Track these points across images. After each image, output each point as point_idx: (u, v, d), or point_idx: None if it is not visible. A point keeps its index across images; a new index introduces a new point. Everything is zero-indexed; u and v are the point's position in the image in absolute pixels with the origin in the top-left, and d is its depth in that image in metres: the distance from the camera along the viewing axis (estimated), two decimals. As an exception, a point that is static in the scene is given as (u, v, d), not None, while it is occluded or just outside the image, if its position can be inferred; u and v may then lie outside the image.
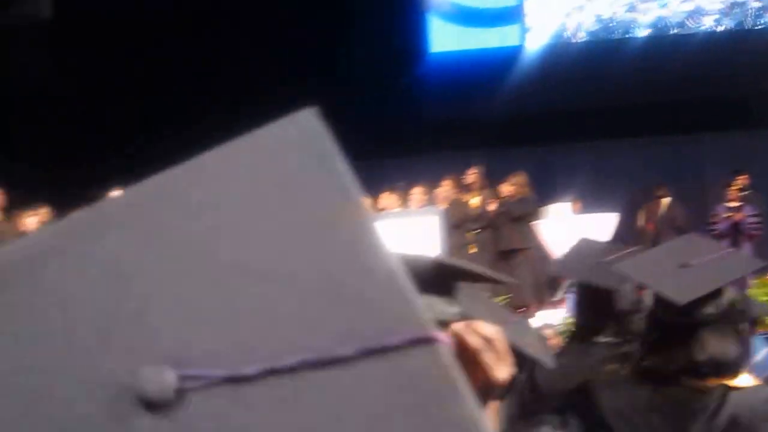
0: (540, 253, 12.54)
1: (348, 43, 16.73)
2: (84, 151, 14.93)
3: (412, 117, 16.65)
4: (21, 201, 12.23)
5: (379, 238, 0.78)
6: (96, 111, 15.69)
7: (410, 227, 10.17)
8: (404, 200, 13.35)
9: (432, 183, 13.84)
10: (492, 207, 13.59)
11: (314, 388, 0.73)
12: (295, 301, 0.76)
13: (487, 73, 17.60)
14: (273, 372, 0.73)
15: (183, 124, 15.26)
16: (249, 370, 0.73)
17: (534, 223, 12.57)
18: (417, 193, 13.36)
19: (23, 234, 11.73)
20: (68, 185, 13.31)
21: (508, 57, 18.50)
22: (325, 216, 0.79)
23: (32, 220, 12.13)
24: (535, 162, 15.86)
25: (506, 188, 13.68)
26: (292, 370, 0.73)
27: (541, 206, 13.32)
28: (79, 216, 0.85)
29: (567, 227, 11.04)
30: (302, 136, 0.82)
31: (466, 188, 13.83)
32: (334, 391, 0.72)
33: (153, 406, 0.73)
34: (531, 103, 16.95)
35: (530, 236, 12.70)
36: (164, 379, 0.73)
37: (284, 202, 0.81)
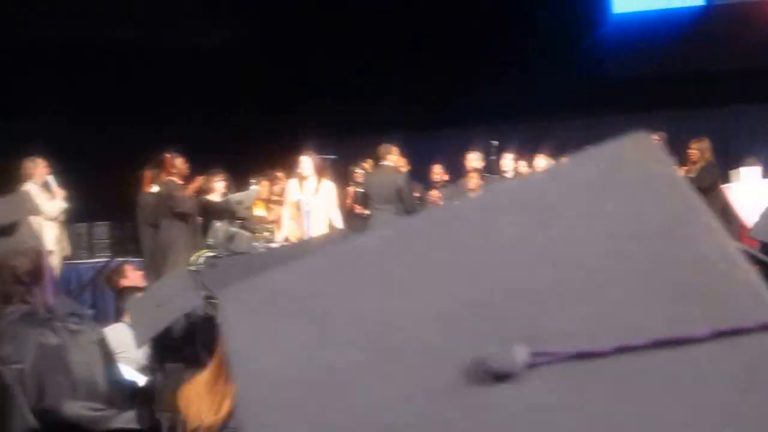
0: (725, 219, 12.21)
1: (532, 4, 16.61)
2: (264, 119, 15.22)
3: (594, 78, 16.39)
4: (201, 167, 12.60)
5: (725, 237, 0.81)
6: (281, 81, 15.89)
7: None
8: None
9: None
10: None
11: (667, 366, 0.75)
12: (643, 285, 0.80)
13: (671, 33, 17.14)
14: (625, 349, 0.75)
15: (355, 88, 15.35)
16: (600, 347, 0.75)
17: (717, 189, 12.22)
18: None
19: (204, 197, 12.10)
20: (246, 150, 13.65)
21: (693, 16, 17.95)
22: (672, 218, 0.84)
23: (220, 185, 12.46)
24: (719, 123, 15.41)
25: (690, 155, 13.29)
26: (644, 348, 0.75)
27: (724, 172, 12.93)
28: (434, 210, 0.94)
29: (757, 191, 10.72)
30: (642, 152, 0.91)
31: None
32: (687, 369, 0.74)
33: (504, 378, 0.76)
34: (715, 63, 16.44)
35: (713, 204, 12.35)
36: (516, 354, 0.77)
37: (628, 206, 0.87)
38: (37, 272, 3.46)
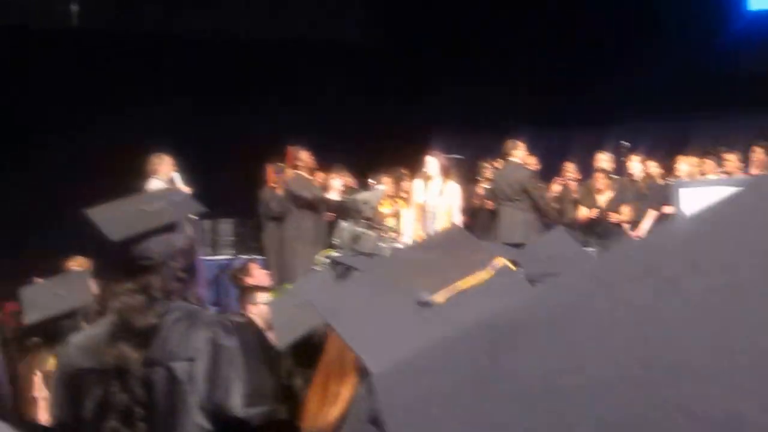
0: None
1: (666, 0, 16.34)
2: (390, 114, 15.17)
3: (729, 77, 16.00)
4: (323, 162, 12.74)
5: None
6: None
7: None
8: (719, 164, 12.69)
9: (745, 142, 13.11)
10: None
11: None
12: None
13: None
14: None
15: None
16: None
17: None
18: (731, 159, 12.70)
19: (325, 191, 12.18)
20: (369, 145, 13.63)
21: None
22: None
23: (336, 183, 12.52)
24: None
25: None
26: None
27: None
28: (598, 269, 0.81)
29: None
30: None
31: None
32: None
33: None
34: None
35: None
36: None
37: None
38: (192, 268, 3.61)
